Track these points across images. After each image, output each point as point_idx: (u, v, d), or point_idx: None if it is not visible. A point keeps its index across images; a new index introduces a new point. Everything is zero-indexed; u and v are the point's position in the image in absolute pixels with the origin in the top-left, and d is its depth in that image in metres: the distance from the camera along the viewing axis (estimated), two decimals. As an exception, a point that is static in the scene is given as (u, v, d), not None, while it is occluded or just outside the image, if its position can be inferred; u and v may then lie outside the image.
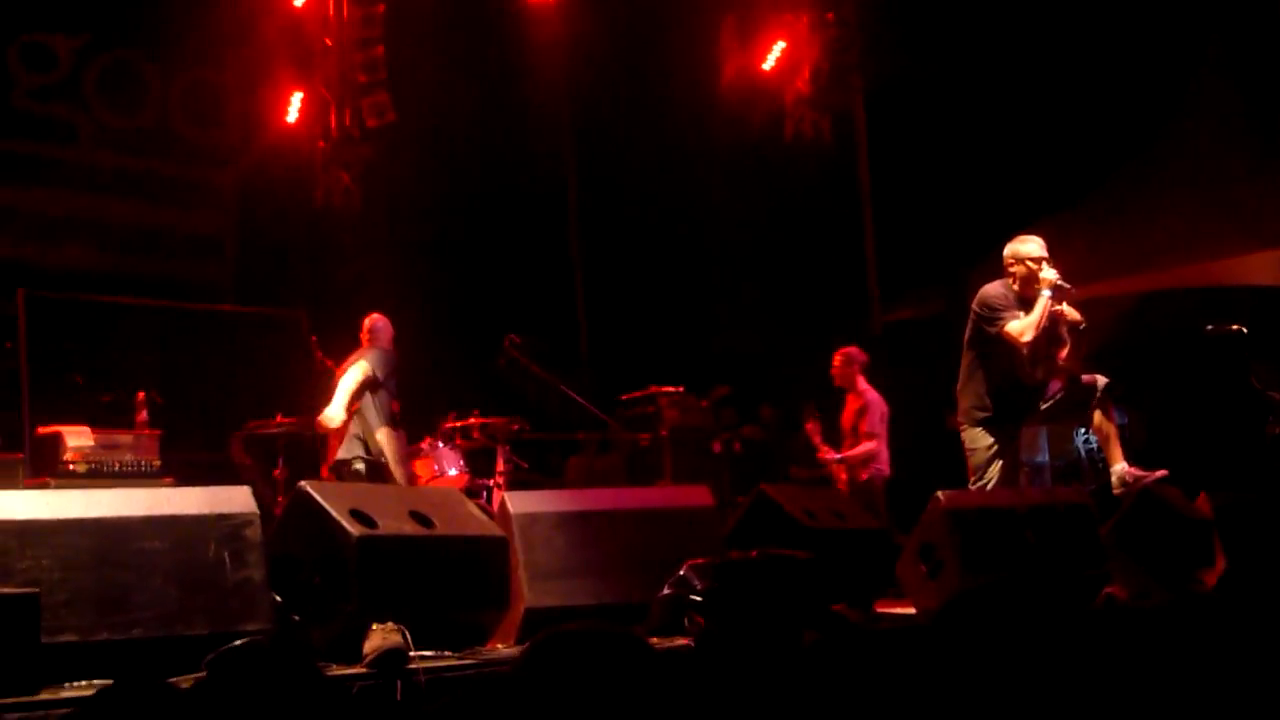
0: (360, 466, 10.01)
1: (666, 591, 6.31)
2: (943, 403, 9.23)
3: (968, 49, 13.30)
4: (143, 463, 10.37)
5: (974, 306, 8.71)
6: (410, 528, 5.82)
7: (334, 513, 5.54)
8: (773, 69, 14.14)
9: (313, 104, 13.73)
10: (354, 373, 10.08)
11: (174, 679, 4.80)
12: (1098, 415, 8.69)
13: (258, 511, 5.45)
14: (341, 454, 10.06)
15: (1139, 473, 8.44)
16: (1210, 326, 9.82)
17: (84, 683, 4.78)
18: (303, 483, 5.83)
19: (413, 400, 10.82)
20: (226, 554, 5.26)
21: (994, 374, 8.65)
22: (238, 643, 4.98)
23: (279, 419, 11.26)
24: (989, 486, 8.48)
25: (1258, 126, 12.54)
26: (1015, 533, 7.35)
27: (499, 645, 6.03)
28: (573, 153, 17.01)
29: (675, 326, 14.97)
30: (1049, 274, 8.50)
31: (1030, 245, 8.67)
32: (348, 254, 13.64)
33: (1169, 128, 13.54)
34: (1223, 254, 12.54)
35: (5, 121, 14.07)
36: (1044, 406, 8.78)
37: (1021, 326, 8.44)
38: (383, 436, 10.06)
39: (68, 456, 10.10)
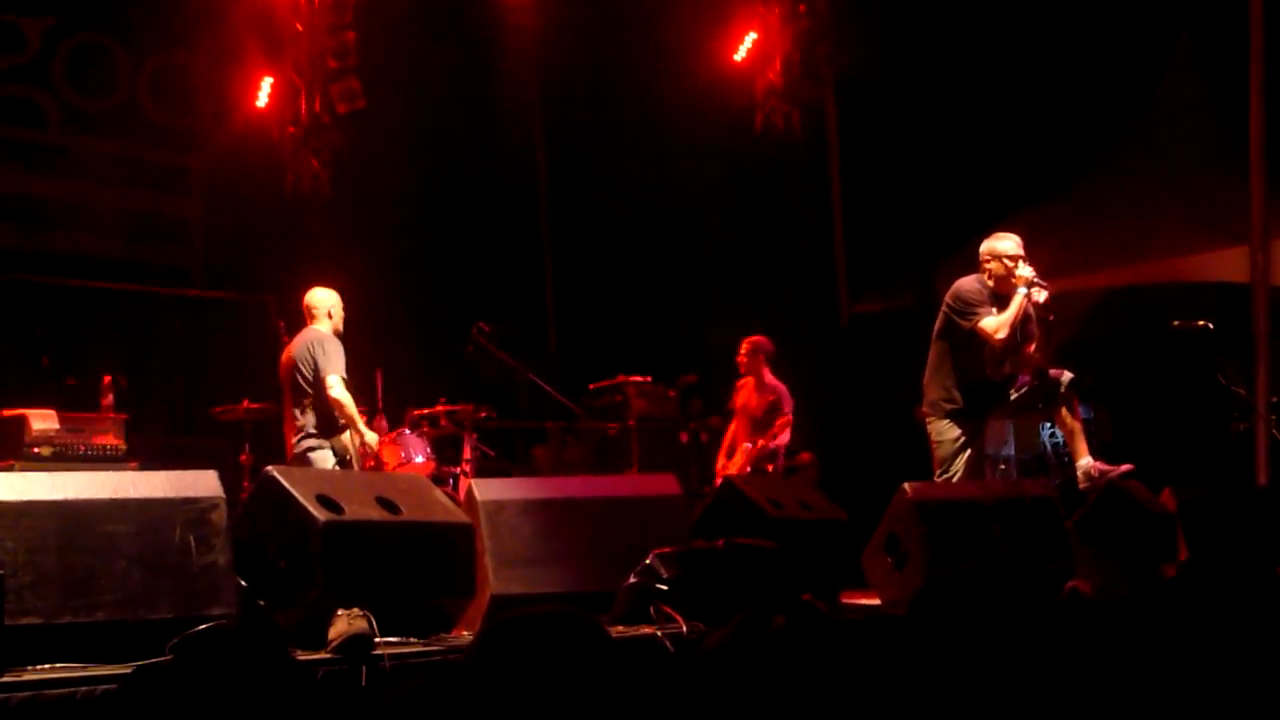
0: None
1: (632, 580, 6.32)
2: (909, 394, 9.26)
3: (939, 42, 13.33)
4: (108, 446, 10.31)
5: (947, 300, 8.74)
6: (377, 513, 5.81)
7: (300, 498, 5.52)
8: (744, 60, 14.14)
9: (283, 89, 13.67)
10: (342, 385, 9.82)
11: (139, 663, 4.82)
12: (1063, 409, 8.74)
13: (224, 495, 5.42)
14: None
15: (1104, 467, 8.49)
16: (1176, 322, 9.86)
17: (47, 665, 4.75)
18: (269, 468, 5.81)
19: (365, 384, 10.75)
20: (192, 538, 5.23)
21: (963, 367, 8.68)
22: (203, 627, 4.98)
23: (246, 404, 11.21)
24: (955, 478, 8.52)
25: (1226, 123, 12.59)
26: (981, 525, 7.38)
27: (464, 632, 6.02)
28: (543, 141, 17.01)
29: (643, 316, 14.98)
30: (1025, 271, 8.54)
31: (1007, 242, 8.71)
32: (316, 240, 13.59)
33: (1137, 124, 13.60)
34: (1190, 250, 12.59)
35: (-28, 103, 14.01)
36: (1013, 398, 8.82)
37: (997, 324, 8.48)
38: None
39: (32, 439, 10.04)
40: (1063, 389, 8.65)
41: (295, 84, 13.58)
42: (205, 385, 13.15)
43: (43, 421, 10.17)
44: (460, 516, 6.25)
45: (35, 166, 14.18)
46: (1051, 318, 8.63)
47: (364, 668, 5.07)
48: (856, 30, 13.65)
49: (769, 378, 11.88)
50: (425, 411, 11.61)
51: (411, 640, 5.59)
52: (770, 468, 11.75)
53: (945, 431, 8.68)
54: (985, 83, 13.31)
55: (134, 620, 5.04)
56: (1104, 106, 13.43)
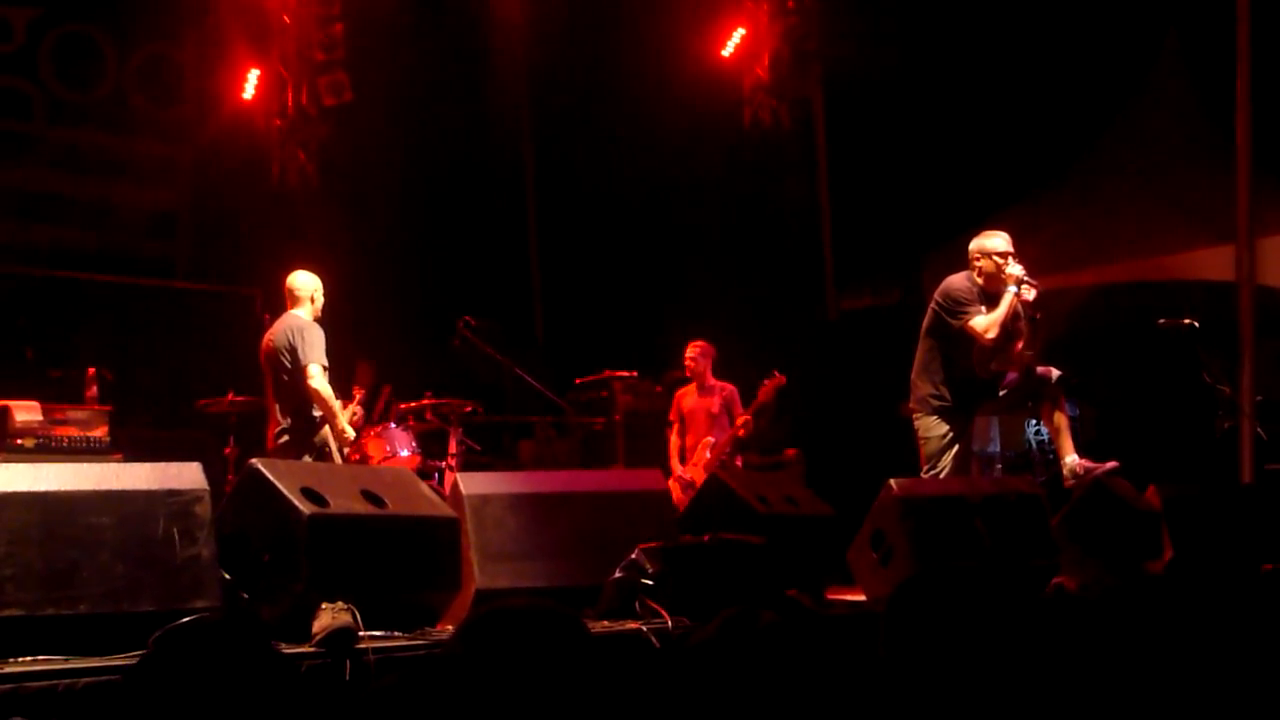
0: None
1: (618, 575, 6.31)
2: (896, 391, 9.25)
3: (926, 39, 13.33)
4: (91, 439, 10.29)
5: (936, 297, 8.73)
6: (362, 507, 5.79)
7: (285, 491, 5.50)
8: (732, 55, 14.15)
9: (270, 81, 13.67)
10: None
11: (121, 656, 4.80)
12: (1049, 407, 8.74)
13: (208, 488, 5.39)
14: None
15: (1090, 465, 8.48)
16: (1162, 320, 9.87)
17: (29, 658, 4.73)
18: (254, 460, 5.78)
19: (345, 375, 10.74)
20: (176, 530, 5.21)
21: (951, 365, 8.67)
22: (186, 620, 4.96)
23: (231, 396, 11.19)
24: (942, 475, 8.51)
25: (1213, 121, 12.60)
26: (967, 522, 7.37)
27: (449, 626, 5.99)
28: (530, 135, 16.99)
29: (630, 311, 14.97)
30: (1015, 269, 8.53)
31: (996, 240, 8.69)
32: (302, 233, 13.56)
33: (1124, 121, 13.60)
34: (1176, 248, 12.59)
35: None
36: (1001, 395, 8.83)
37: (986, 323, 8.47)
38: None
39: (15, 431, 10.01)
40: (1050, 386, 8.65)
41: (282, 76, 13.58)
42: (190, 378, 13.12)
43: (26, 413, 10.14)
44: (446, 510, 6.23)
45: (21, 157, 14.13)
46: (1039, 316, 8.62)
47: (348, 661, 5.05)
48: (844, 26, 13.66)
49: (711, 379, 11.94)
50: (411, 405, 11.60)
51: (396, 634, 5.57)
52: (739, 460, 11.76)
53: (933, 428, 8.67)
54: (972, 79, 13.31)
55: (117, 613, 5.01)
56: (1091, 103, 13.44)
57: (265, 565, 5.48)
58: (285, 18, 13.45)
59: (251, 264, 13.97)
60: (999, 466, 12.06)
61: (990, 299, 8.56)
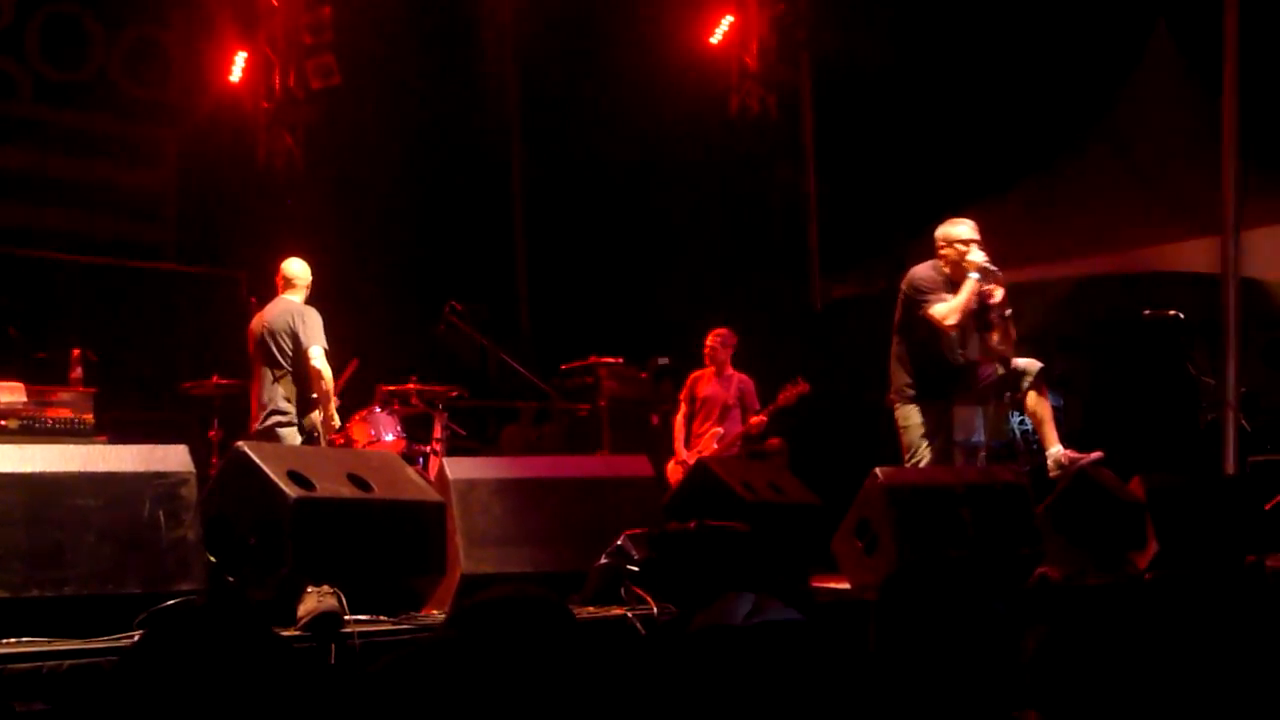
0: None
1: (604, 561, 6.32)
2: (882, 380, 9.27)
3: (915, 28, 13.34)
4: (76, 420, 10.27)
5: (902, 286, 8.77)
6: (348, 491, 5.78)
7: (271, 474, 5.49)
8: (720, 43, 14.13)
9: (257, 64, 13.61)
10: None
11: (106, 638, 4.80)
12: (1032, 397, 8.76)
13: (194, 470, 5.38)
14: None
15: (1074, 455, 8.51)
16: (1147, 312, 9.90)
17: (13, 640, 4.72)
18: (239, 443, 5.78)
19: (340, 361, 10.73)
20: (161, 513, 5.20)
21: (921, 354, 8.71)
22: (171, 602, 4.96)
23: (215, 379, 11.17)
24: (921, 464, 8.55)
25: (1199, 113, 12.62)
26: (952, 511, 7.40)
27: (434, 611, 6.00)
28: (518, 121, 16.96)
29: (616, 298, 14.96)
30: (977, 256, 8.54)
31: (960, 228, 8.71)
32: (289, 216, 13.53)
33: (1111, 113, 13.62)
34: (1161, 240, 12.61)
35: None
36: (980, 386, 8.84)
37: (946, 310, 8.49)
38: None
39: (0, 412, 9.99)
40: (1029, 379, 8.67)
41: (270, 59, 13.52)
42: (175, 360, 13.10)
43: (10, 394, 10.11)
44: (432, 495, 6.23)
45: (5, 137, 14.07)
46: (1009, 312, 8.63)
47: (333, 645, 5.05)
48: (833, 14, 13.67)
49: (730, 368, 11.99)
50: (396, 389, 11.58)
51: (381, 618, 5.57)
52: (738, 451, 11.79)
53: (910, 417, 8.71)
54: (960, 69, 13.33)
55: (102, 595, 5.00)
56: (1078, 95, 13.46)
57: (251, 548, 5.48)
58: (273, 1, 13.40)
59: (237, 247, 13.95)
60: (983, 456, 12.09)
61: (956, 287, 8.58)
